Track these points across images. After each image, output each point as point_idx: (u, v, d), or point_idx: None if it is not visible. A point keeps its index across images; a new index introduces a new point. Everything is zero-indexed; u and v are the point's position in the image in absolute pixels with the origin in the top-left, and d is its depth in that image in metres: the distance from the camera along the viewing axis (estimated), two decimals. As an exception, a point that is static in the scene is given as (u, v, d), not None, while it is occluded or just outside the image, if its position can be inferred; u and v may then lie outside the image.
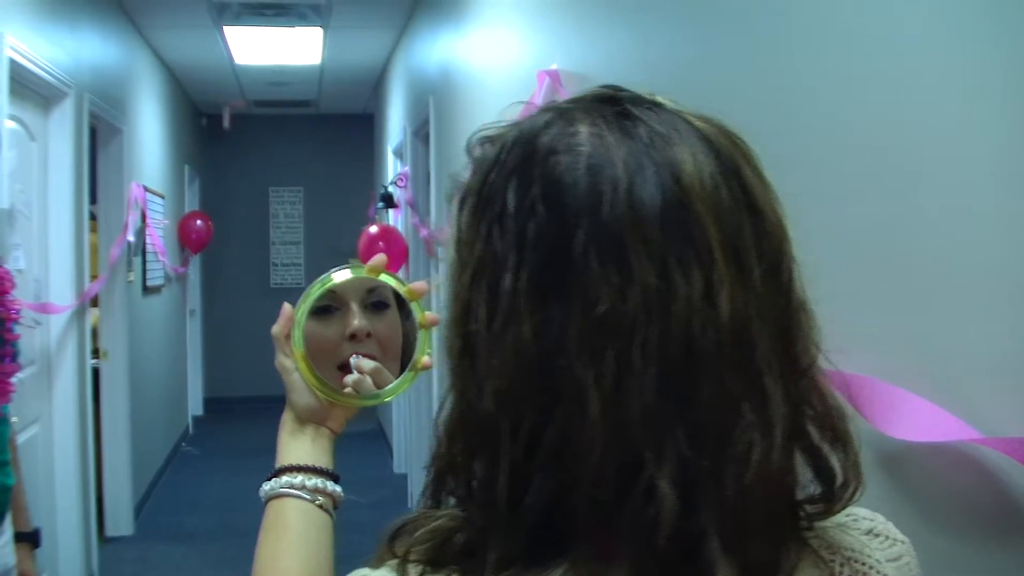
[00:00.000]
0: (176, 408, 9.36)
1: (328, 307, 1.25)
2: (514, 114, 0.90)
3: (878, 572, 0.84)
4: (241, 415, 10.97)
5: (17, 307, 2.64)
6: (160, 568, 6.12)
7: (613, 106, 0.80)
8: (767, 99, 1.71)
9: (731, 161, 0.80)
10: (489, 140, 0.83)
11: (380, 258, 1.25)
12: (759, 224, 0.79)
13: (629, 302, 0.72)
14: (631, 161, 0.75)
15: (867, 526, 0.88)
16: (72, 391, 5.15)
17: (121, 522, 6.60)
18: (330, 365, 1.25)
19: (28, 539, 2.84)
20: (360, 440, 9.74)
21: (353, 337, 1.26)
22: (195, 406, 10.75)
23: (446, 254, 0.84)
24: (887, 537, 0.89)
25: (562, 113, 0.80)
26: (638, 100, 0.81)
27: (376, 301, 1.24)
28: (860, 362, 1.32)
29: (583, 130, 0.77)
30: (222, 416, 10.91)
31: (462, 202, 0.82)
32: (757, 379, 0.75)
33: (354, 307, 1.26)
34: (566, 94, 2.72)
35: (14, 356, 2.68)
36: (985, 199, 1.15)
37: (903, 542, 0.89)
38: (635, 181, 0.74)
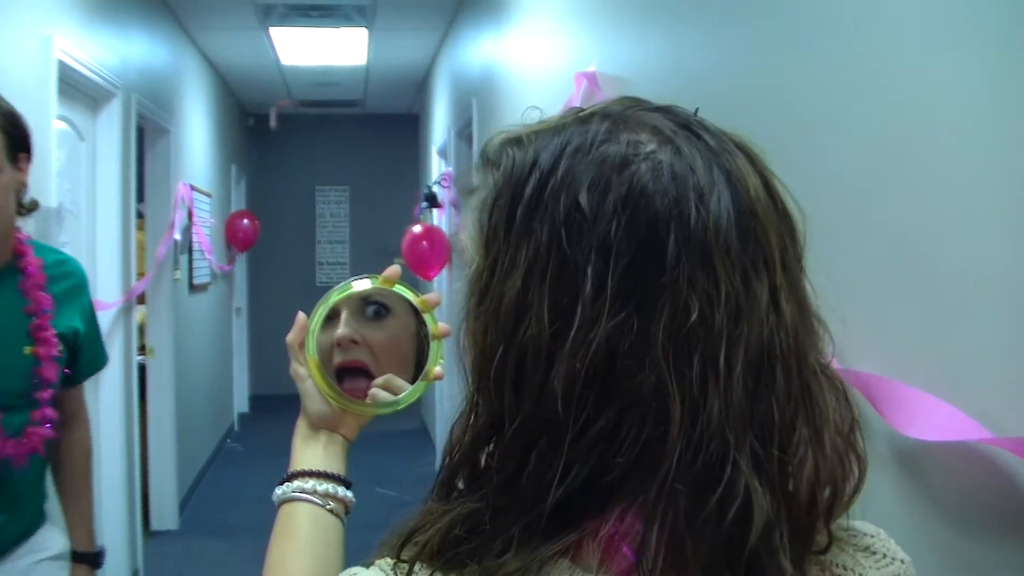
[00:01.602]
0: (222, 405, 9.46)
1: (331, 316, 1.28)
2: (533, 117, 0.91)
3: None
4: (286, 412, 10.90)
5: (56, 342, 2.41)
6: (204, 563, 6.20)
7: (668, 116, 0.82)
8: (792, 99, 1.73)
9: (765, 172, 0.83)
10: (516, 144, 0.84)
11: (393, 269, 1.27)
12: (791, 231, 0.82)
13: (717, 309, 0.74)
14: (707, 171, 0.78)
15: (865, 543, 0.89)
16: (119, 387, 5.23)
17: (166, 517, 6.70)
18: (331, 372, 1.27)
19: (87, 560, 2.68)
20: (404, 438, 9.80)
21: (339, 344, 1.29)
22: (240, 403, 10.85)
23: (466, 256, 0.86)
24: (884, 555, 0.89)
25: (618, 121, 0.81)
26: (683, 112, 0.84)
27: (376, 310, 1.25)
28: (877, 363, 1.34)
29: (653, 139, 0.79)
30: (267, 413, 11.00)
31: (494, 203, 0.82)
32: (807, 383, 0.79)
33: (344, 315, 1.28)
34: (602, 96, 2.74)
35: (51, 399, 2.41)
36: (997, 202, 1.17)
37: (902, 561, 0.90)
38: (714, 191, 0.77)
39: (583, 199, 0.77)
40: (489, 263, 0.82)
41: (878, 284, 1.44)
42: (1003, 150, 1.15)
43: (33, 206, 2.50)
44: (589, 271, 0.75)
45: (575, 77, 3.07)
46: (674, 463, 0.73)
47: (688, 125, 0.82)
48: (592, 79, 2.93)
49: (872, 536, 0.90)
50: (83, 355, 2.57)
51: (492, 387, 0.80)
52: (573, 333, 0.75)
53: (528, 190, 0.80)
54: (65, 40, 4.22)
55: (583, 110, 0.86)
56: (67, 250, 4.13)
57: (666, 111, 0.83)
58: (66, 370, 2.51)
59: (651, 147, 0.79)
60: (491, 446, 0.82)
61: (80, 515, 2.68)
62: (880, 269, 1.44)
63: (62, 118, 4.34)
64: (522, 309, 0.77)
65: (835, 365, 1.28)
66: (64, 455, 2.65)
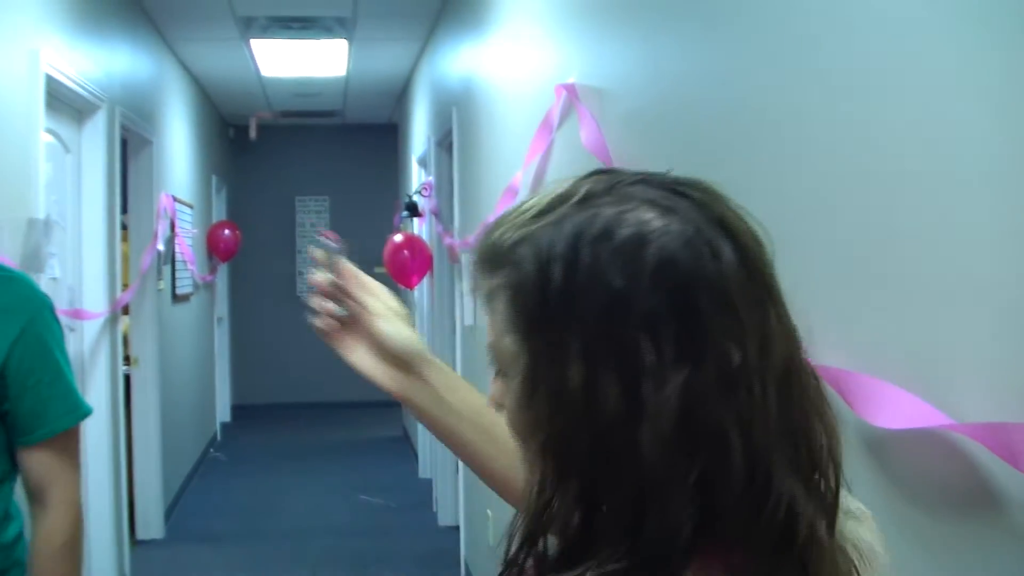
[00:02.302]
0: (204, 414, 9.49)
1: None
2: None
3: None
4: (267, 421, 11.12)
5: None
6: (190, 570, 6.24)
7: (652, 185, 0.90)
8: (771, 107, 1.81)
9: (734, 206, 0.91)
10: (525, 241, 0.90)
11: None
12: (765, 250, 0.90)
13: (749, 346, 0.84)
14: (707, 227, 0.86)
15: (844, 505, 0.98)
16: (105, 396, 5.28)
17: (152, 526, 6.74)
18: None
19: None
20: (385, 445, 9.87)
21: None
22: (223, 412, 10.89)
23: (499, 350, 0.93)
24: (859, 512, 1.00)
25: (615, 202, 0.88)
26: (661, 176, 0.92)
27: None
28: (845, 358, 1.42)
29: (655, 212, 0.87)
30: (249, 423, 11.05)
31: (522, 299, 0.89)
32: (810, 382, 0.90)
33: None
34: (583, 108, 2.82)
35: None
36: (967, 204, 1.25)
37: (868, 513, 1.00)
38: (718, 244, 0.85)
39: (618, 283, 0.84)
40: (531, 354, 0.88)
41: (844, 285, 1.53)
42: (973, 150, 1.24)
43: None
44: (645, 344, 0.83)
45: (555, 89, 3.15)
46: (739, 485, 0.83)
47: (673, 188, 0.89)
48: (572, 91, 3.00)
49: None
50: (26, 398, 1.97)
51: (574, 466, 0.87)
52: (649, 401, 0.83)
53: (557, 283, 0.86)
54: (52, 53, 4.28)
55: (569, 195, 0.91)
56: (54, 262, 4.20)
57: (646, 181, 0.91)
58: None
59: (658, 222, 0.86)
60: (576, 519, 0.88)
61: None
62: (845, 270, 1.53)
63: (48, 130, 4.39)
64: (591, 390, 0.84)
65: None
66: (35, 546, 2.04)
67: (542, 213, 0.91)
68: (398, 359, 1.37)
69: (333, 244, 1.34)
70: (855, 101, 1.49)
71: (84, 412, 2.14)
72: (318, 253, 1.34)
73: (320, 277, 1.34)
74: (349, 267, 1.35)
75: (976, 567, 1.26)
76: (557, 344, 0.86)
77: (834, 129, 1.55)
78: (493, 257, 0.93)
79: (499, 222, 0.95)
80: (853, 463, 1.33)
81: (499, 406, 0.99)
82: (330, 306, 1.35)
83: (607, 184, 0.90)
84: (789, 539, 0.83)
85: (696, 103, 2.17)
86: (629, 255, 0.85)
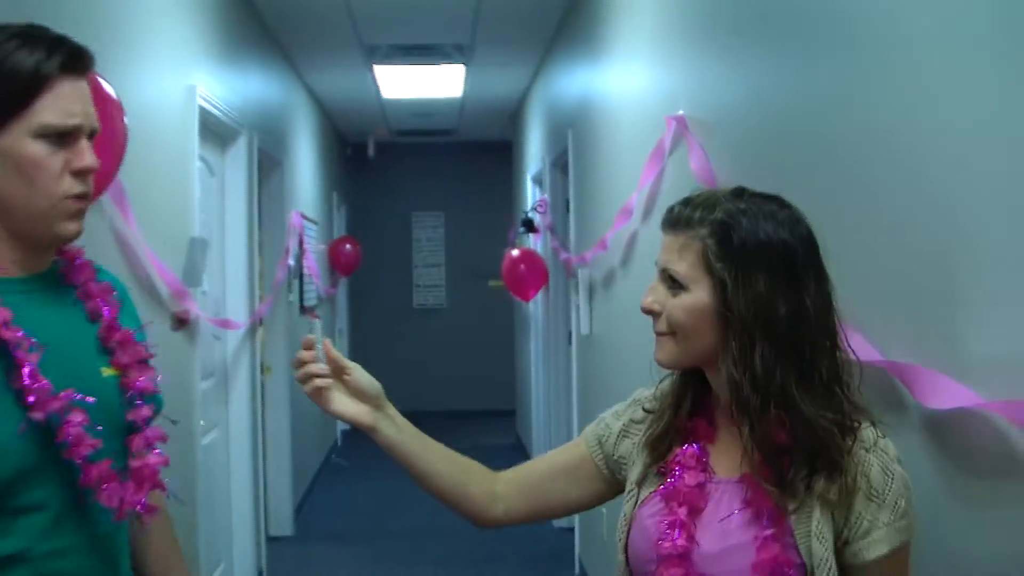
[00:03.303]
0: (327, 422, 9.93)
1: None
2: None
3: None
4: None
5: (139, 344, 1.87)
6: (319, 565, 6.66)
7: (761, 193, 1.62)
8: (850, 135, 2.09)
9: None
10: (716, 210, 1.58)
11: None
12: None
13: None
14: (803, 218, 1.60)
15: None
16: (246, 401, 5.70)
17: (283, 523, 7.18)
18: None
19: None
20: (500, 452, 10.18)
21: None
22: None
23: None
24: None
25: (768, 200, 1.61)
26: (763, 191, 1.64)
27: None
28: (908, 352, 1.74)
29: (785, 206, 1.60)
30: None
31: (722, 248, 1.57)
32: None
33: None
34: (693, 139, 3.11)
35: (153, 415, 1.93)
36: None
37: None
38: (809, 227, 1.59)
39: (787, 238, 1.56)
40: (728, 277, 1.55)
41: (914, 289, 1.82)
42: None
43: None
44: (804, 274, 1.56)
45: (667, 120, 3.44)
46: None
47: (776, 198, 1.62)
48: (682, 122, 3.29)
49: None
50: None
51: (755, 342, 1.53)
52: (804, 304, 1.54)
53: (747, 235, 1.54)
54: (204, 88, 4.70)
55: (722, 192, 1.63)
56: (204, 276, 4.61)
57: (754, 193, 1.62)
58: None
59: (790, 210, 1.60)
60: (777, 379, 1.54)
61: None
62: (914, 281, 1.82)
63: (199, 157, 4.80)
64: (772, 298, 1.53)
65: (878, 356, 1.69)
66: (145, 539, 2.06)
67: (713, 198, 1.60)
68: (367, 396, 1.78)
69: (317, 321, 1.82)
70: (906, 110, 1.77)
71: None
72: (308, 337, 1.75)
73: (307, 353, 1.74)
74: (327, 341, 1.76)
75: (1009, 519, 1.56)
76: (746, 275, 1.54)
77: (920, 163, 1.83)
78: (689, 219, 1.59)
79: (685, 200, 1.63)
80: (912, 437, 1.67)
81: (658, 310, 1.63)
82: (316, 368, 1.74)
83: (750, 192, 1.62)
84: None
85: (790, 134, 2.45)
86: (794, 225, 1.57)
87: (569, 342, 6.56)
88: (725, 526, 1.57)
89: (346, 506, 8.25)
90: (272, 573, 6.27)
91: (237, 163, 5.70)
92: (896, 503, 1.52)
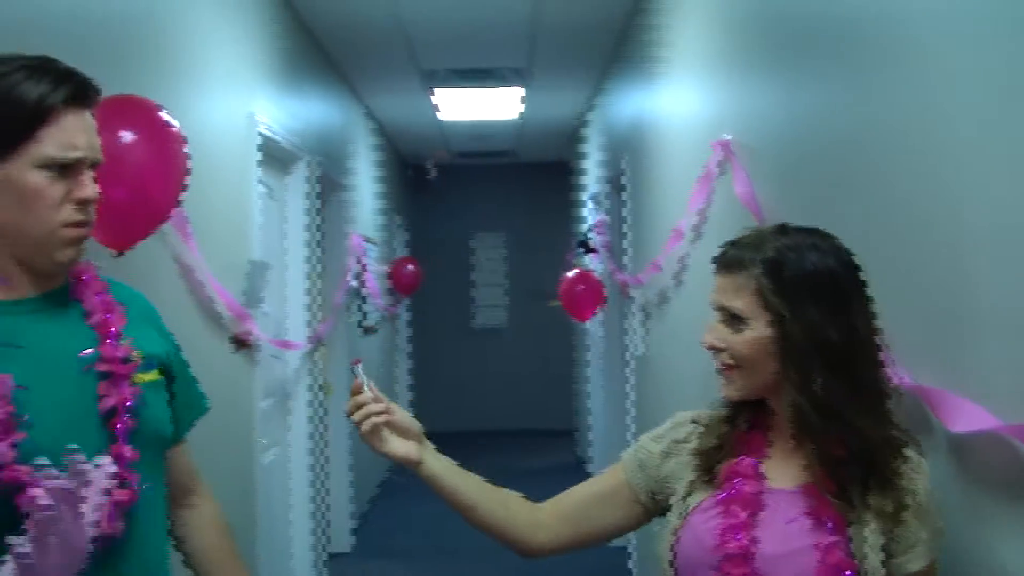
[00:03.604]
0: (387, 440, 10.03)
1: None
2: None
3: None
4: (445, 448, 11.42)
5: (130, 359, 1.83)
6: (379, 583, 6.75)
7: (803, 227, 1.76)
8: (897, 153, 2.13)
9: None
10: (764, 249, 1.72)
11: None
12: None
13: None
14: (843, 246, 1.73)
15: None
16: (305, 420, 5.81)
17: (343, 540, 7.29)
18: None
19: None
20: (558, 470, 10.23)
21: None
22: (404, 439, 11.38)
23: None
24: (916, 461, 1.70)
25: (812, 233, 1.74)
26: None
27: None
28: (931, 377, 1.79)
29: (827, 238, 1.73)
30: (428, 449, 11.56)
31: (775, 283, 1.69)
32: None
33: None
34: (737, 163, 3.16)
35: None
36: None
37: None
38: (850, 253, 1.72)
39: (835, 267, 1.69)
40: (784, 310, 1.67)
41: (936, 321, 1.87)
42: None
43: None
44: (855, 299, 1.69)
45: (712, 144, 3.49)
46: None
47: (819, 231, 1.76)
48: (727, 147, 3.34)
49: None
50: (179, 388, 2.02)
51: (814, 369, 1.66)
52: (855, 328, 1.67)
53: (798, 269, 1.67)
54: (264, 114, 4.82)
55: (785, 229, 1.77)
56: (264, 298, 4.72)
57: (797, 228, 1.77)
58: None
59: (831, 240, 1.73)
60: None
61: None
62: (940, 310, 1.86)
63: (260, 182, 4.93)
64: (824, 326, 1.66)
65: (908, 380, 1.75)
66: (196, 538, 2.11)
67: (760, 237, 1.75)
68: (410, 433, 1.92)
69: (359, 366, 1.91)
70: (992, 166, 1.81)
71: (208, 401, 2.21)
72: (356, 382, 1.87)
73: (364, 396, 1.87)
74: (372, 385, 1.88)
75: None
76: (798, 307, 1.66)
77: (949, 198, 1.87)
78: (741, 260, 1.72)
79: (734, 242, 1.76)
80: (938, 459, 1.72)
81: (722, 346, 1.74)
82: (374, 407, 1.86)
83: (793, 227, 1.76)
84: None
85: (832, 160, 2.49)
86: (837, 253, 1.70)
87: (625, 363, 6.60)
88: (787, 531, 1.68)
89: (406, 524, 8.34)
90: (332, 590, 6.37)
91: (297, 187, 5.82)
92: (935, 522, 1.67)
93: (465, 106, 8.71)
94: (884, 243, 2.07)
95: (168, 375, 1.97)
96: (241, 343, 4.34)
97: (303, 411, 5.81)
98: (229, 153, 4.32)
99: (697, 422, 1.90)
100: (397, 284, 10.12)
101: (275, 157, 5.42)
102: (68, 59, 1.75)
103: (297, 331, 5.73)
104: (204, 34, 4.03)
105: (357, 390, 1.87)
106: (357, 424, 1.86)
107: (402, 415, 1.90)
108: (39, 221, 1.68)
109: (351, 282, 7.29)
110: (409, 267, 10.24)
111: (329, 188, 7.07)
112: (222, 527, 2.18)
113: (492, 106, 8.75)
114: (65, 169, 1.69)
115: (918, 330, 1.91)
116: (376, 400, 1.86)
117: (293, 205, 5.80)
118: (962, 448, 1.76)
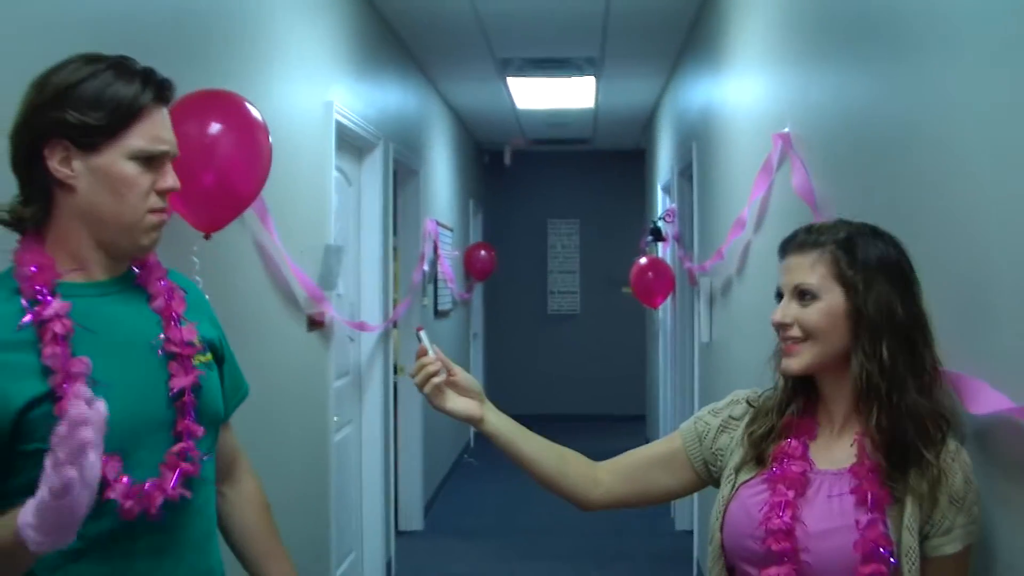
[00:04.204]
0: (460, 423, 10.19)
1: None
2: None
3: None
4: (518, 432, 11.73)
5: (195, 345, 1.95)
6: (448, 558, 6.94)
7: (855, 221, 1.94)
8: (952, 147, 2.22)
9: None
10: (836, 232, 1.89)
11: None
12: None
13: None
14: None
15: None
16: (379, 400, 5.99)
17: (413, 519, 7.49)
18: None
19: None
20: (623, 423, 10.34)
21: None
22: (476, 422, 11.56)
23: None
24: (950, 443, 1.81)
25: (867, 229, 1.89)
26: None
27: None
28: (956, 362, 1.90)
29: (881, 232, 1.88)
30: (500, 433, 11.72)
31: (846, 263, 1.84)
32: None
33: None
34: (796, 156, 3.25)
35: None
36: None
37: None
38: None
39: (897, 256, 1.86)
40: (855, 286, 1.82)
41: (964, 308, 1.96)
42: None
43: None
44: (913, 284, 1.85)
45: (772, 137, 3.58)
46: None
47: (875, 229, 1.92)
48: (787, 140, 3.43)
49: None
50: (227, 372, 2.12)
51: (882, 340, 1.80)
52: (916, 309, 1.84)
53: (870, 252, 1.83)
54: (340, 103, 4.99)
55: (847, 221, 1.94)
56: (339, 281, 4.89)
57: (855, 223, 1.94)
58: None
59: (888, 234, 1.88)
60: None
61: None
62: (967, 298, 1.95)
63: (336, 167, 5.09)
64: (892, 305, 1.81)
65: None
66: (237, 516, 2.21)
67: (831, 224, 1.93)
68: (472, 392, 2.06)
69: (423, 332, 2.06)
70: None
71: (248, 387, 2.28)
72: (420, 347, 2.02)
73: (426, 358, 2.00)
74: (437, 349, 2.02)
75: None
76: (871, 281, 1.81)
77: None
78: (816, 241, 1.87)
79: (807, 228, 1.93)
80: (967, 445, 1.82)
81: (793, 322, 1.86)
82: (433, 367, 2.00)
83: (851, 222, 1.93)
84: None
85: (879, 153, 2.57)
86: (896, 244, 1.87)
87: (693, 350, 6.69)
88: (830, 509, 1.81)
89: (475, 504, 8.52)
90: (400, 565, 6.55)
91: (373, 173, 5.99)
92: (971, 509, 1.77)
93: (540, 95, 8.83)
94: (921, 234, 2.16)
95: (218, 360, 2.07)
96: (315, 324, 4.51)
97: (377, 392, 5.99)
98: (307, 140, 4.49)
99: (751, 403, 2.04)
100: (472, 269, 10.27)
101: (351, 144, 5.58)
102: (162, 53, 1.89)
103: (372, 314, 5.90)
104: (284, 27, 4.19)
105: (421, 354, 2.00)
106: (420, 386, 2.00)
107: (463, 376, 2.04)
108: (129, 208, 1.82)
109: (425, 267, 7.45)
110: (483, 252, 10.38)
111: (404, 174, 7.23)
112: (262, 504, 2.27)
113: (566, 95, 8.85)
114: (150, 161, 1.82)
115: (949, 317, 2.01)
116: (438, 362, 1.99)
117: (368, 191, 5.97)
118: (984, 434, 1.87)
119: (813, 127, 3.25)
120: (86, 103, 1.76)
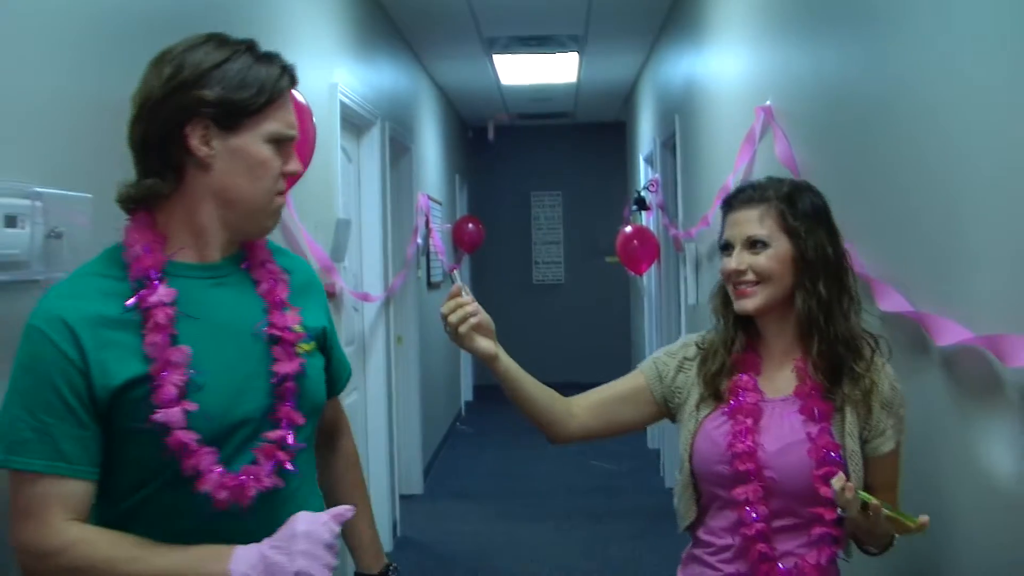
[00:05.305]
0: (452, 392, 10.49)
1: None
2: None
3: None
4: (506, 400, 11.96)
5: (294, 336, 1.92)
6: (447, 520, 7.24)
7: (803, 181, 2.27)
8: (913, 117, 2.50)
9: None
10: (778, 187, 2.20)
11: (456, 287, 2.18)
12: None
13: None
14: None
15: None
16: (382, 367, 6.26)
17: (412, 482, 7.76)
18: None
19: None
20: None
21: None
22: (467, 391, 11.95)
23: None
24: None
25: (795, 184, 2.21)
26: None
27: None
28: (932, 304, 2.19)
29: (810, 186, 2.22)
30: (490, 403, 11.96)
31: (790, 216, 2.13)
32: None
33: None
34: (778, 127, 3.52)
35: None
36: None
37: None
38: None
39: (824, 205, 2.17)
40: (798, 235, 2.10)
41: (945, 254, 2.25)
42: None
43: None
44: (837, 230, 2.16)
45: (755, 110, 3.85)
46: None
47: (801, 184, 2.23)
48: (768, 112, 3.70)
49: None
50: (334, 359, 2.14)
51: (820, 281, 2.09)
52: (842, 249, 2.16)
53: (806, 205, 2.13)
54: (343, 83, 5.23)
55: (783, 178, 2.24)
56: (346, 253, 5.14)
57: (791, 179, 2.25)
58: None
59: (814, 188, 2.20)
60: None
61: (364, 532, 2.24)
62: (947, 243, 2.24)
63: (340, 146, 5.33)
64: (824, 246, 2.12)
65: (910, 308, 2.15)
66: (332, 468, 2.24)
67: (770, 181, 2.22)
68: (490, 332, 2.20)
69: (456, 271, 2.18)
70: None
71: (351, 367, 2.32)
72: (455, 286, 2.14)
73: (466, 299, 2.14)
74: (467, 289, 2.16)
75: (992, 427, 2.01)
76: (810, 229, 2.09)
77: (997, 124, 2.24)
78: (763, 196, 2.15)
79: (749, 185, 2.22)
80: (935, 372, 2.09)
81: (747, 268, 2.12)
82: (468, 310, 2.13)
83: (779, 178, 2.23)
84: None
85: (855, 121, 2.85)
86: (822, 198, 2.16)
87: (679, 312, 6.97)
88: (783, 430, 2.12)
89: (470, 469, 8.82)
90: (405, 526, 6.85)
91: (371, 150, 6.25)
92: (899, 411, 2.11)
93: (524, 71, 9.09)
94: (899, 192, 2.45)
95: (323, 348, 2.05)
96: (328, 295, 4.74)
97: (379, 360, 6.26)
98: (317, 120, 4.72)
99: (699, 346, 2.32)
100: (460, 242, 10.51)
101: (352, 123, 5.83)
102: (169, 36, 1.93)
103: (373, 285, 6.16)
104: (291, 12, 4.43)
105: (455, 293, 2.12)
106: (454, 324, 2.11)
107: (486, 317, 2.18)
108: (262, 189, 1.85)
109: (419, 240, 7.70)
110: (471, 226, 10.62)
111: (398, 151, 7.46)
112: (357, 464, 2.32)
113: (550, 70, 9.10)
114: (280, 144, 1.86)
115: (920, 265, 2.30)
116: (475, 303, 2.14)
117: (367, 167, 6.23)
118: (950, 362, 2.17)
119: (794, 99, 3.52)
120: (233, 83, 1.79)
